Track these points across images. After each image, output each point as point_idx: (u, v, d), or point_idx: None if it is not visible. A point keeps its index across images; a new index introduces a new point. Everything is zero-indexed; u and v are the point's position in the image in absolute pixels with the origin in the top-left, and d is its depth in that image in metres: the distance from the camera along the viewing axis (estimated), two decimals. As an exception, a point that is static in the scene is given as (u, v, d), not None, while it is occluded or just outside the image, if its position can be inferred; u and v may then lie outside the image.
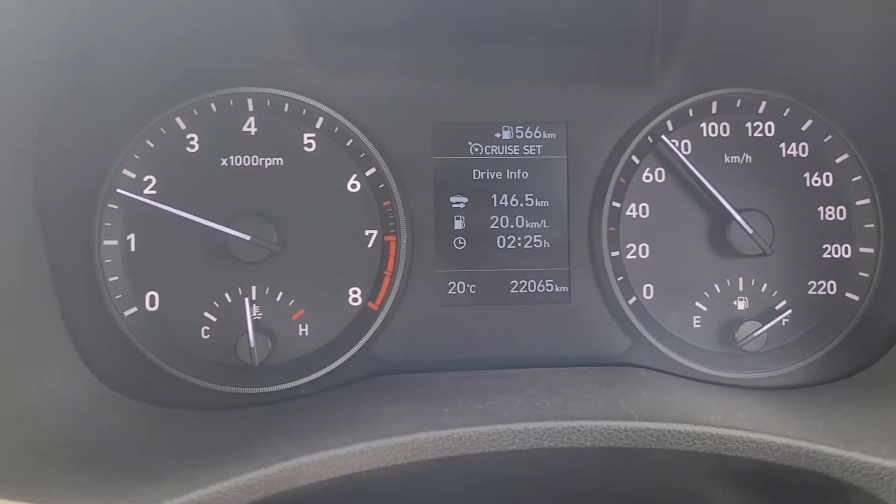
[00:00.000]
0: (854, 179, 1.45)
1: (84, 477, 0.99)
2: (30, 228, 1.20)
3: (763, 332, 1.40)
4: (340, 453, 0.93)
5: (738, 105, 1.45)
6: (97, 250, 1.35)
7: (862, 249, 1.44)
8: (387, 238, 1.41)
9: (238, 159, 1.39)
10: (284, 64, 1.37)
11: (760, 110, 1.45)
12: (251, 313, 1.35)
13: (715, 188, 1.41)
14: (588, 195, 1.44)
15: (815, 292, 1.45)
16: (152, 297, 1.37)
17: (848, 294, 1.45)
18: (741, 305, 1.45)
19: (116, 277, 1.36)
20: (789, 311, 1.44)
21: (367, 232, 1.41)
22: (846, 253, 1.45)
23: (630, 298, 1.43)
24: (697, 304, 1.45)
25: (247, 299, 1.36)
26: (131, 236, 1.37)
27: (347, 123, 1.40)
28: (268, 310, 1.39)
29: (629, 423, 0.98)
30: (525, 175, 1.45)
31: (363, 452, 0.93)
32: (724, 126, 1.45)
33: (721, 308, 1.45)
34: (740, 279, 1.44)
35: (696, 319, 1.45)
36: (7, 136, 1.13)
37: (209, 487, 0.88)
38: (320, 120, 1.40)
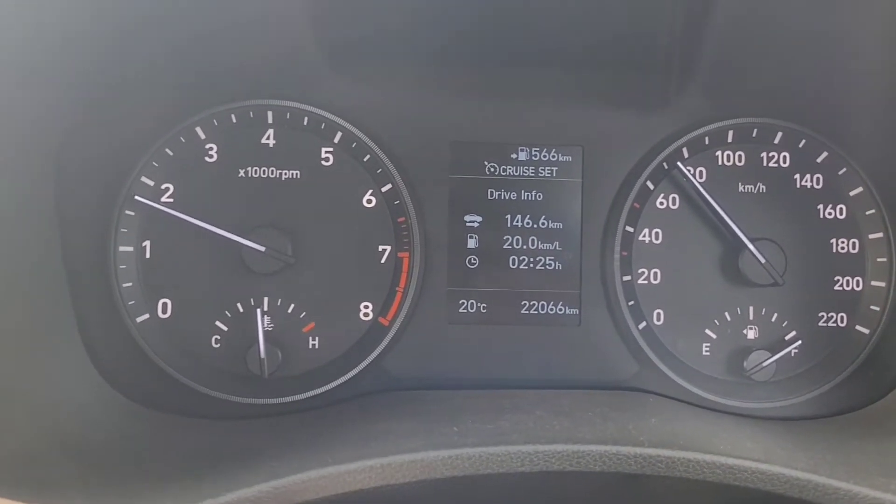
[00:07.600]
0: (868, 213, 1.45)
1: (92, 482, 1.00)
2: (48, 232, 1.21)
3: (772, 362, 1.40)
4: (350, 468, 0.93)
5: (754, 135, 1.46)
6: (112, 256, 1.36)
7: (874, 283, 1.44)
8: (400, 254, 1.41)
9: (255, 171, 1.41)
10: (306, 78, 1.39)
11: (776, 141, 1.46)
12: (262, 324, 1.35)
13: (728, 216, 1.41)
14: (602, 219, 1.44)
15: (825, 324, 1.45)
16: (165, 305, 1.38)
17: (858, 327, 1.44)
18: (751, 334, 1.44)
19: (130, 283, 1.37)
20: (799, 341, 1.43)
21: (380, 247, 1.41)
22: (858, 286, 1.45)
23: (640, 323, 1.43)
24: (707, 331, 1.44)
25: (258, 310, 1.37)
26: (146, 243, 1.38)
27: (365, 139, 1.41)
28: (279, 321, 1.39)
29: (639, 450, 0.98)
30: (539, 196, 1.45)
31: (373, 468, 0.93)
32: (740, 155, 1.46)
33: (731, 336, 1.44)
34: (751, 308, 1.44)
35: (706, 347, 1.44)
36: (30, 141, 1.14)
37: (219, 498, 0.88)
38: (339, 135, 1.42)
